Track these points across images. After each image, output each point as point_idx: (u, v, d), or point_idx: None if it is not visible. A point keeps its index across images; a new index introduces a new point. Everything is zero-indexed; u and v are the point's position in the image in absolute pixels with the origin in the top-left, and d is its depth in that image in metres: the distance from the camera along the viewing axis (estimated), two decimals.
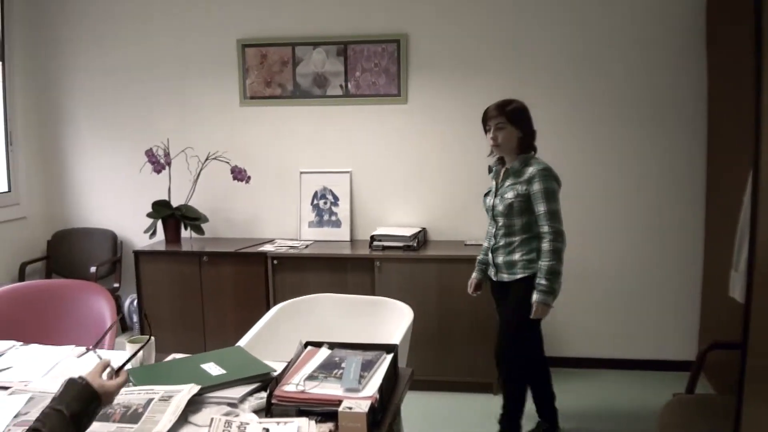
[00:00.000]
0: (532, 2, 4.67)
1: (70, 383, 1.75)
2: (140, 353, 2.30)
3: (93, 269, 4.84)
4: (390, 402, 2.12)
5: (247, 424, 1.93)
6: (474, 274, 3.83)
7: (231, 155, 5.01)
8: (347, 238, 5.02)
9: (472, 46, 4.78)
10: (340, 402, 1.94)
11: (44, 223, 5.41)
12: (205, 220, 5.05)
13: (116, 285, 5.25)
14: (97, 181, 5.41)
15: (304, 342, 2.43)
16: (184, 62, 5.16)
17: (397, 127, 4.94)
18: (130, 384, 2.17)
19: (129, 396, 2.05)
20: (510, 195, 3.45)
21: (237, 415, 2.00)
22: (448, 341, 4.43)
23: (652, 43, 4.57)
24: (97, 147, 5.38)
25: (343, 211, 5.04)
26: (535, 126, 3.57)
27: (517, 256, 3.49)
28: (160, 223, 5.00)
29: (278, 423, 1.93)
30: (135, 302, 5.03)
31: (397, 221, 5.00)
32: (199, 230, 5.00)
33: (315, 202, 5.07)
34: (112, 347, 2.87)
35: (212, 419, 1.94)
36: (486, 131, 3.55)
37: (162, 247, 4.90)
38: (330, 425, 1.92)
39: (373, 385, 2.08)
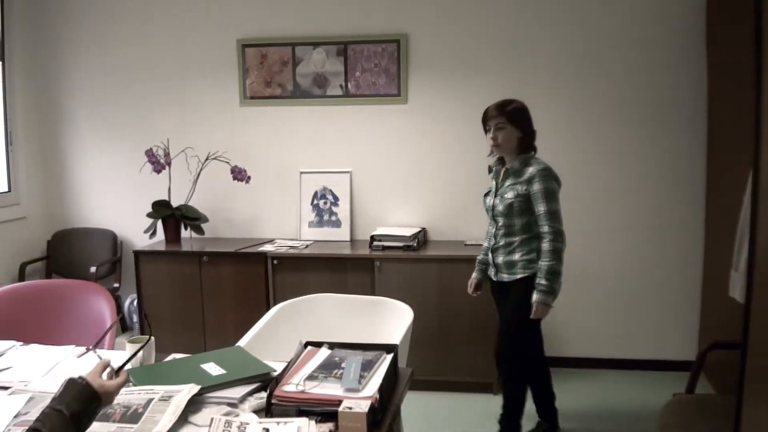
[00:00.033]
0: (533, 2, 4.67)
1: (70, 383, 1.75)
2: (140, 353, 2.30)
3: (93, 269, 4.84)
4: (390, 402, 2.12)
5: (247, 424, 1.93)
6: (474, 274, 3.83)
7: (231, 155, 5.01)
8: (347, 238, 5.02)
9: (472, 46, 4.78)
10: (340, 402, 1.94)
11: (44, 223, 5.41)
12: (205, 220, 5.05)
13: (116, 285, 5.25)
14: (97, 181, 5.41)
15: (304, 342, 2.43)
16: (184, 62, 5.16)
17: (397, 127, 4.94)
18: (130, 384, 2.17)
19: (129, 396, 2.05)
20: (510, 195, 3.45)
21: (237, 415, 2.00)
22: (448, 341, 4.43)
23: (652, 42, 4.57)
24: (97, 147, 5.38)
25: (343, 211, 5.04)
26: (535, 126, 3.57)
27: (517, 256, 3.49)
28: (160, 223, 5.00)
29: (278, 423, 1.93)
30: (135, 302, 5.03)
31: (397, 221, 5.00)
32: (199, 230, 5.00)
33: (315, 202, 5.07)
34: (112, 347, 2.87)
35: (212, 419, 1.94)
36: (486, 131, 3.55)
37: (162, 247, 4.90)
38: (330, 425, 1.92)
39: (373, 385, 2.08)
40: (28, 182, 5.29)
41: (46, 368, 2.43)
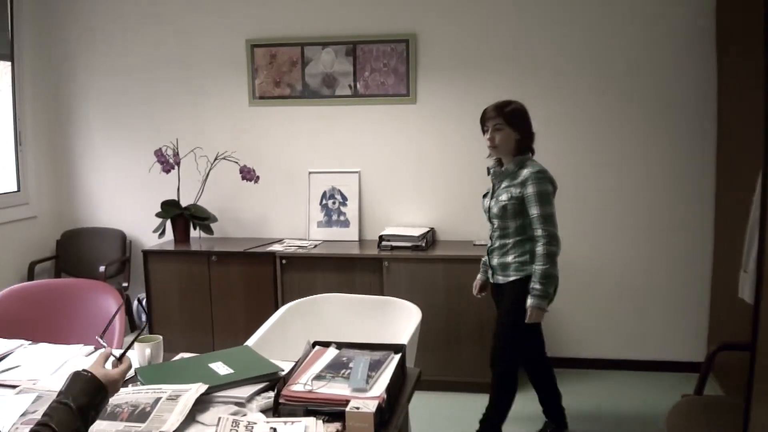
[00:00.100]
0: (542, 2, 4.66)
1: (76, 376, 1.75)
2: (148, 350, 2.32)
3: (102, 268, 4.86)
4: (397, 402, 2.12)
5: (255, 423, 1.92)
6: (478, 276, 3.83)
7: (240, 155, 5.02)
8: (356, 238, 5.02)
9: (481, 45, 4.77)
10: (347, 402, 1.94)
11: (53, 223, 5.43)
12: (214, 219, 5.06)
13: (125, 284, 5.27)
14: (106, 181, 5.43)
15: (311, 342, 2.43)
16: (193, 62, 5.17)
17: (406, 127, 4.94)
18: (139, 383, 2.18)
19: (137, 395, 2.05)
20: (504, 197, 3.44)
21: (244, 415, 2.00)
22: (456, 342, 4.43)
23: (663, 42, 4.55)
24: (106, 146, 5.40)
25: (351, 211, 5.04)
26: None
27: (510, 258, 3.48)
28: (169, 223, 5.01)
29: (285, 423, 1.93)
30: (144, 302, 5.04)
31: (405, 221, 5.00)
32: (208, 230, 5.01)
33: (324, 202, 5.07)
34: (120, 346, 2.87)
35: (220, 418, 1.94)
36: (484, 132, 3.54)
37: (171, 247, 4.91)
38: (337, 425, 1.92)
39: (380, 385, 2.08)
40: (38, 182, 5.31)
41: (54, 367, 2.44)
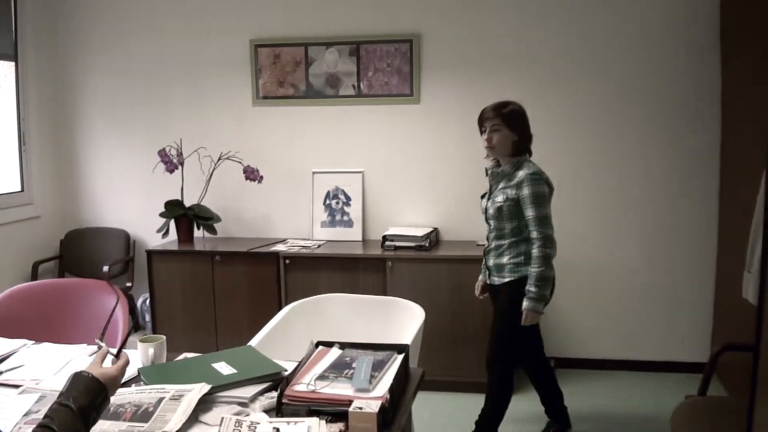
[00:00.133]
0: (546, 2, 4.66)
1: (76, 377, 1.75)
2: (151, 350, 2.33)
3: (106, 268, 4.86)
4: (400, 402, 2.11)
5: (258, 423, 1.93)
6: (480, 277, 3.82)
7: (243, 155, 5.02)
8: (359, 238, 5.02)
9: (485, 46, 4.77)
10: (350, 402, 1.94)
11: (57, 223, 5.44)
12: (218, 219, 5.06)
13: (129, 284, 5.27)
14: (109, 181, 5.44)
15: (315, 342, 2.43)
16: (197, 62, 5.17)
17: (410, 127, 4.94)
18: (142, 383, 2.18)
19: (140, 395, 2.05)
20: (500, 198, 3.44)
21: (247, 415, 2.00)
22: (460, 342, 4.42)
23: (663, 42, 4.54)
24: (110, 147, 5.41)
25: (355, 211, 5.04)
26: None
27: (505, 259, 3.49)
28: (172, 223, 5.02)
29: (289, 423, 1.93)
30: (147, 301, 5.05)
31: (409, 221, 4.99)
32: (212, 230, 5.01)
33: (327, 202, 5.07)
34: (124, 346, 2.87)
35: (223, 418, 1.94)
36: (481, 132, 3.53)
37: (174, 247, 4.91)
38: (340, 425, 1.92)
39: (383, 386, 2.07)
40: (42, 182, 5.32)
41: (57, 367, 2.44)
